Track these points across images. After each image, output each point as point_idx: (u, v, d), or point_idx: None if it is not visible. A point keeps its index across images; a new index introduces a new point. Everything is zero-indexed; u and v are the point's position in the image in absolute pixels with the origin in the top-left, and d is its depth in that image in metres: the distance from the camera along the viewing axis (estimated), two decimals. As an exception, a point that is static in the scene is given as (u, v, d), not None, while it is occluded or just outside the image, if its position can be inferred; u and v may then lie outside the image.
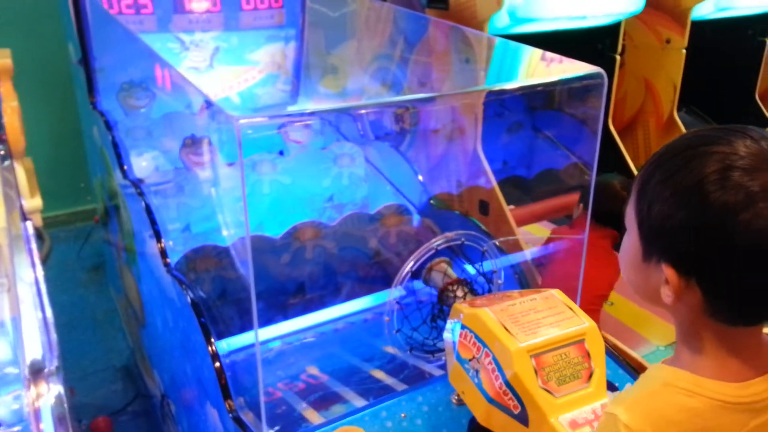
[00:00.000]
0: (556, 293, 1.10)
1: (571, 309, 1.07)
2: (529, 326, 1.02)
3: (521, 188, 2.37)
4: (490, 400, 1.02)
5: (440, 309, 1.28)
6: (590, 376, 1.02)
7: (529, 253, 2.09)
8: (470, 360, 1.05)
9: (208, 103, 1.12)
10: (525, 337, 1.00)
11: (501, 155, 2.44)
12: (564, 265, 1.79)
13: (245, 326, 1.72)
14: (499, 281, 1.32)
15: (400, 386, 1.39)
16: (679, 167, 0.70)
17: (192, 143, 1.81)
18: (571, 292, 1.53)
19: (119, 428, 2.30)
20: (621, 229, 2.18)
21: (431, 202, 1.92)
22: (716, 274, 0.69)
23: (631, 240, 0.78)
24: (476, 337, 1.04)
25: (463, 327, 1.07)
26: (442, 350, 1.33)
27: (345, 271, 1.82)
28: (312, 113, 1.41)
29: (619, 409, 0.74)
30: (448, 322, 1.14)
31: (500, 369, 1.00)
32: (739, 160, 0.67)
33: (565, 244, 1.91)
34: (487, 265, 1.37)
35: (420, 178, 1.97)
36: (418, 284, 1.83)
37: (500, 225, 2.32)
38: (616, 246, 2.01)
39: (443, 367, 1.39)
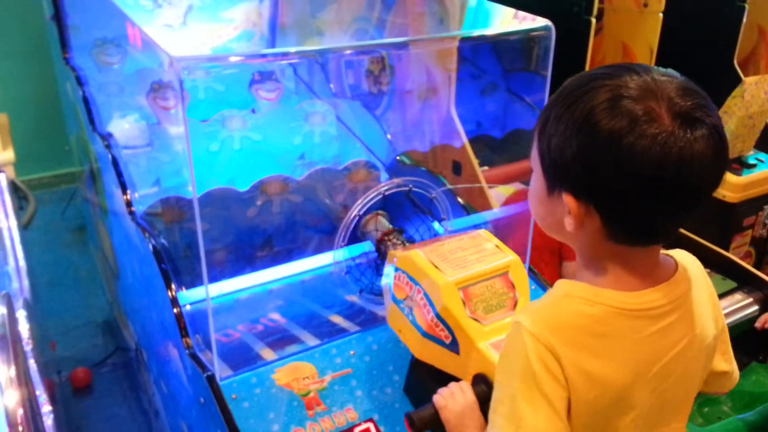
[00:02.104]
0: (483, 233, 1.15)
1: (497, 246, 1.12)
2: (457, 262, 1.07)
3: (491, 148, 2.40)
4: (424, 334, 1.08)
5: (380, 258, 1.33)
6: (515, 304, 1.07)
7: (496, 212, 2.14)
8: (404, 299, 1.10)
9: (155, 46, 1.15)
10: (453, 272, 1.05)
11: (475, 116, 2.47)
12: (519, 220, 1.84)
13: (211, 277, 1.78)
14: (449, 228, 1.37)
15: (356, 329, 1.45)
16: (571, 102, 0.75)
17: (159, 87, 1.83)
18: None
19: (99, 379, 2.38)
20: None
21: (398, 159, 1.95)
22: (610, 198, 0.74)
23: (536, 177, 0.83)
24: (408, 276, 1.09)
25: (396, 269, 1.12)
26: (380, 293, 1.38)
27: (311, 224, 1.86)
28: (260, 55, 1.42)
29: (522, 316, 0.79)
30: (385, 267, 1.19)
31: (431, 303, 1.05)
32: (626, 90, 0.71)
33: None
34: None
35: (388, 137, 2.00)
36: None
37: (474, 184, 2.36)
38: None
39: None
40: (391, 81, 2.34)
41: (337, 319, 1.52)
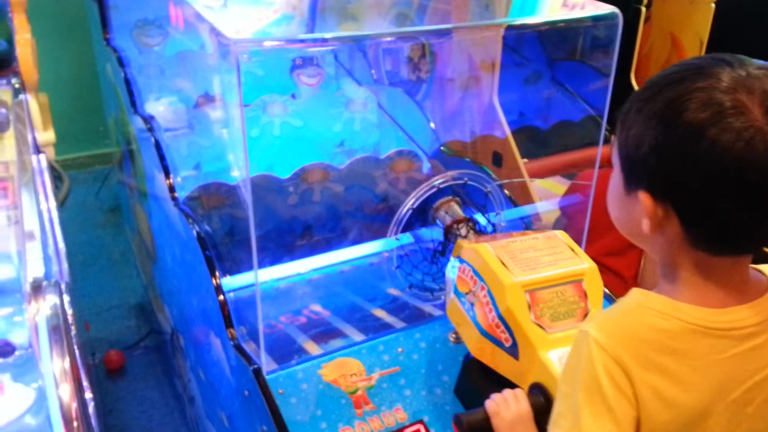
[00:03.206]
0: (560, 234, 1.10)
1: (572, 250, 1.06)
2: (527, 263, 1.02)
3: (535, 140, 2.33)
4: (483, 332, 1.03)
5: (444, 246, 1.28)
6: (585, 315, 1.01)
7: (543, 204, 2.08)
8: (467, 293, 1.06)
9: (211, 28, 1.11)
10: (521, 273, 1.00)
11: (518, 107, 2.40)
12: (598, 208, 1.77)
13: (249, 266, 1.75)
14: (502, 224, 1.32)
15: (400, 324, 1.41)
16: (655, 92, 0.70)
17: (205, 101, 1.81)
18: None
19: (132, 362, 2.37)
20: None
21: (442, 149, 1.90)
22: (688, 198, 0.68)
23: (614, 175, 0.77)
24: (474, 271, 1.04)
25: (461, 261, 1.07)
26: (442, 289, 1.34)
27: (352, 214, 1.82)
28: (319, 40, 1.37)
29: (590, 325, 0.74)
30: (451, 259, 1.14)
31: (494, 302, 1.00)
32: (716, 82, 0.66)
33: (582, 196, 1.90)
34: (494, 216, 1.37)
35: (432, 125, 1.95)
36: (423, 232, 1.84)
37: (513, 177, 2.30)
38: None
39: (443, 306, 1.40)
40: (433, 68, 2.28)
41: (381, 314, 1.48)
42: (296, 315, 1.47)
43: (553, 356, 0.97)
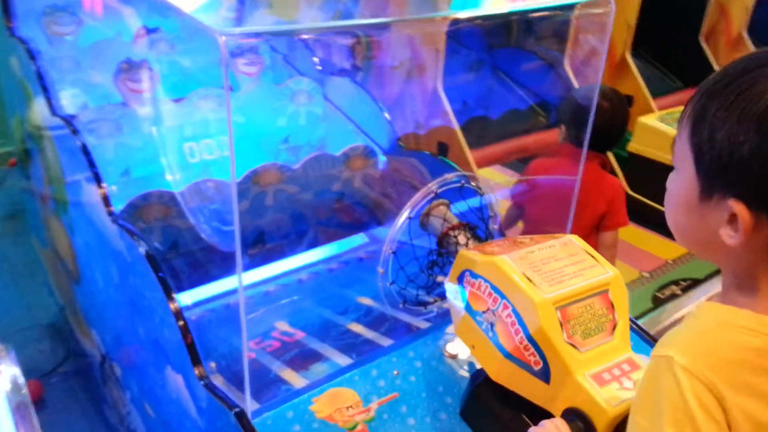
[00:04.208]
0: (575, 239, 1.01)
1: (592, 256, 0.98)
2: (552, 276, 0.92)
3: (486, 130, 2.27)
4: (507, 355, 0.93)
5: (439, 256, 1.16)
6: (614, 328, 0.94)
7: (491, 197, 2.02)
8: (484, 312, 0.95)
9: (186, 16, 0.92)
10: (549, 288, 0.90)
11: (461, 95, 2.32)
12: (552, 198, 1.72)
13: (201, 279, 1.56)
14: (495, 226, 1.22)
15: (384, 340, 1.28)
16: (742, 91, 0.62)
17: (128, 68, 1.57)
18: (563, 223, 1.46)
19: (51, 391, 2.10)
20: (607, 148, 2.10)
21: (400, 143, 1.78)
22: None
23: (682, 179, 0.69)
24: (492, 287, 0.93)
25: (475, 276, 0.96)
26: (435, 302, 1.22)
27: (309, 217, 1.67)
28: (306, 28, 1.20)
29: (672, 350, 0.65)
30: (453, 270, 1.03)
31: (522, 322, 0.90)
32: None
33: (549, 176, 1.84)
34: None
35: (386, 116, 1.82)
36: (379, 230, 1.71)
37: (461, 168, 2.23)
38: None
39: (431, 319, 1.29)
40: (373, 56, 2.15)
41: (359, 329, 1.35)
42: (266, 338, 1.31)
43: (589, 377, 0.88)
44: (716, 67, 3.24)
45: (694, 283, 2.27)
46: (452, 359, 1.16)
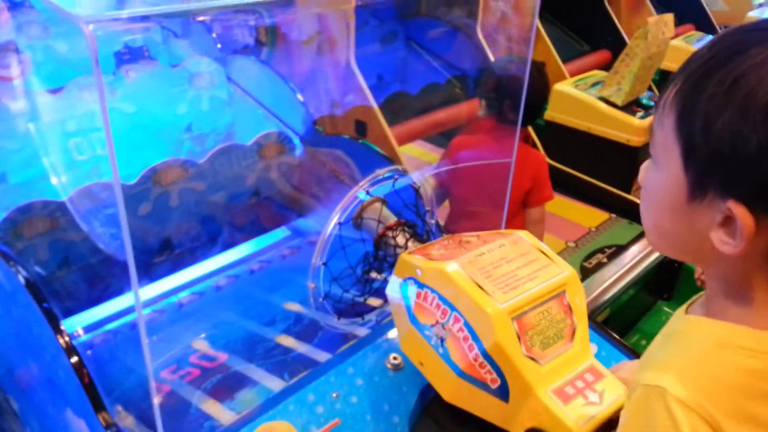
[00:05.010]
0: (525, 235, 0.91)
1: (545, 254, 0.89)
2: (505, 281, 0.82)
3: (405, 105, 2.15)
4: (461, 374, 0.83)
5: (376, 260, 1.04)
6: (573, 333, 0.85)
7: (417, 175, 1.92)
8: (432, 326, 0.84)
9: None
10: (503, 296, 0.80)
11: (376, 69, 2.18)
12: (477, 177, 1.63)
13: (102, 296, 1.37)
14: (432, 221, 1.11)
15: (318, 354, 1.16)
16: (742, 73, 0.52)
17: None
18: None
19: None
20: (530, 121, 2.01)
21: (317, 127, 1.63)
22: None
23: (666, 175, 0.59)
24: (441, 298, 0.82)
25: (421, 285, 0.85)
26: (373, 309, 1.10)
27: (221, 216, 1.50)
28: (183, 12, 1.02)
29: (665, 379, 0.57)
30: (394, 277, 0.91)
31: (475, 337, 0.80)
32: None
33: (472, 154, 1.75)
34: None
35: (300, 97, 1.66)
36: (301, 222, 1.57)
37: (381, 146, 2.11)
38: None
39: (371, 326, 1.18)
40: (278, 30, 1.97)
41: (289, 341, 1.21)
42: (182, 365, 1.15)
43: (552, 394, 0.80)
44: (622, 30, 3.26)
45: (618, 249, 2.28)
46: (396, 370, 1.05)
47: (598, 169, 2.46)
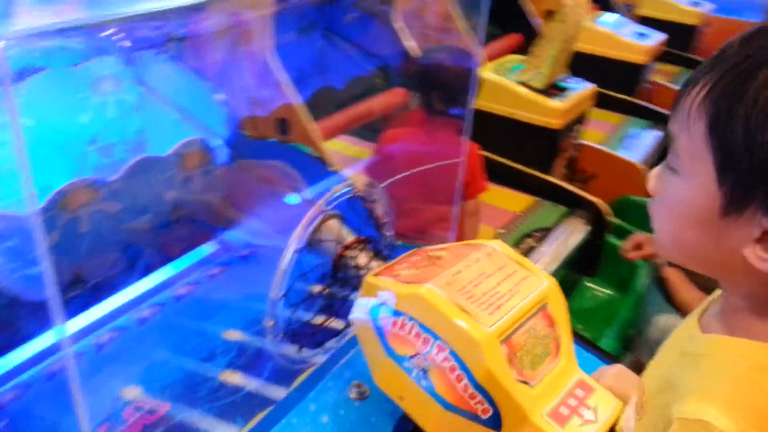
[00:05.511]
0: (498, 246, 0.83)
1: (522, 265, 0.82)
2: (488, 300, 0.74)
3: (327, 99, 2.03)
4: (449, 407, 0.74)
5: (336, 284, 0.93)
6: (558, 348, 0.79)
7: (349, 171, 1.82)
8: (412, 357, 0.75)
9: None
10: (489, 318, 0.72)
11: (296, 63, 2.05)
12: (421, 173, 1.55)
13: (6, 344, 1.19)
14: (390, 233, 1.01)
15: (273, 390, 1.04)
16: None
17: None
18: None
19: None
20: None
21: (244, 132, 1.49)
22: None
23: (694, 186, 0.53)
24: (421, 326, 0.73)
25: (396, 313, 0.75)
26: (336, 335, 1.00)
27: (140, 238, 1.34)
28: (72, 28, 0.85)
29: (709, 412, 0.51)
30: (359, 302, 0.81)
31: (464, 367, 0.72)
32: None
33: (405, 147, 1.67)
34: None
35: (219, 97, 1.51)
36: (231, 234, 1.45)
37: (305, 144, 1.99)
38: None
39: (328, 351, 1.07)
40: (189, 23, 1.80)
41: (235, 378, 1.09)
42: (116, 422, 0.99)
43: (548, 418, 0.73)
44: (530, 13, 3.27)
45: (546, 231, 2.29)
46: (361, 399, 0.96)
47: (520, 154, 2.45)
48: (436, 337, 0.73)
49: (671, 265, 1.63)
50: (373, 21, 2.29)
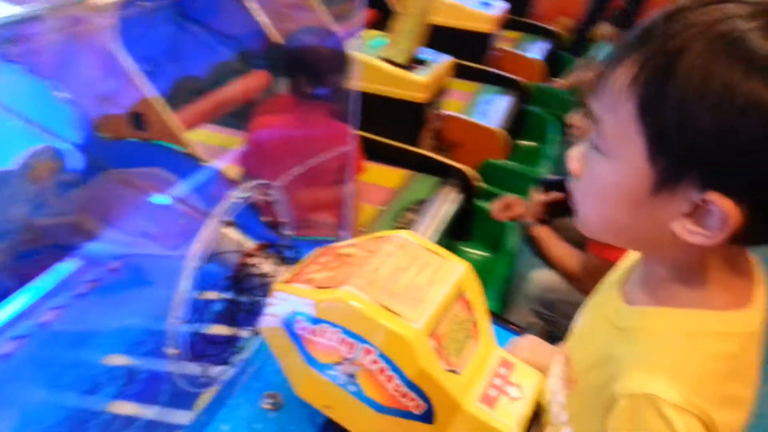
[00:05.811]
0: (408, 236, 0.81)
1: (435, 253, 0.80)
2: (410, 295, 0.72)
3: (186, 86, 1.89)
4: (381, 409, 0.72)
5: (241, 294, 0.85)
6: (476, 329, 0.79)
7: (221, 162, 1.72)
8: (338, 364, 0.71)
9: None
10: (413, 313, 0.70)
11: (145, 51, 1.88)
12: (289, 161, 1.49)
13: None
14: (291, 232, 0.95)
15: (174, 416, 0.95)
16: (735, 40, 0.46)
17: None
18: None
19: None
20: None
21: (97, 132, 1.34)
22: None
23: (622, 167, 0.53)
24: (346, 331, 0.70)
25: (316, 321, 0.71)
26: (241, 349, 0.92)
27: (-9, 265, 1.17)
28: None
29: (654, 385, 0.52)
30: (271, 311, 0.75)
31: (395, 367, 0.69)
32: None
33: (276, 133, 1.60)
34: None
35: (63, 95, 1.35)
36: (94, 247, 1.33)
37: (166, 138, 1.85)
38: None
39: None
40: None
41: (128, 408, 0.98)
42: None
43: (479, 403, 0.73)
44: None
45: (424, 203, 2.33)
46: (276, 409, 0.90)
47: (389, 129, 2.46)
48: (363, 341, 0.69)
49: (540, 222, 1.70)
50: (224, 1, 2.16)
